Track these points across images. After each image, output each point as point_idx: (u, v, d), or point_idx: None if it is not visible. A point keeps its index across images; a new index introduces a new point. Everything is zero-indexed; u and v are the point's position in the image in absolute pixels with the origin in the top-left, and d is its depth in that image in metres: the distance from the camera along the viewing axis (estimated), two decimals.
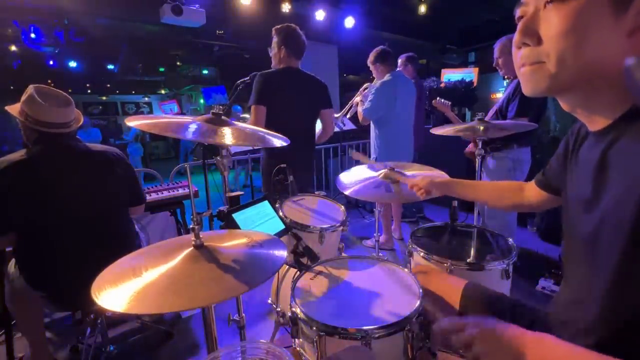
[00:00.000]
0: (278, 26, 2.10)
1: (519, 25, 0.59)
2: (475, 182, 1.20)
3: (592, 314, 0.60)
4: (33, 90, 1.37)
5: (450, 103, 2.82)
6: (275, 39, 2.09)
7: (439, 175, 1.56)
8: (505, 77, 2.39)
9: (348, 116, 3.21)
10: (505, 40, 2.22)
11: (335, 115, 3.30)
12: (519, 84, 2.18)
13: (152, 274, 0.68)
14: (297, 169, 1.60)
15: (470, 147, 2.45)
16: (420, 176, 1.28)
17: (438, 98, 2.92)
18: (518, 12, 0.60)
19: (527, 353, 0.54)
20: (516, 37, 0.59)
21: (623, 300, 0.55)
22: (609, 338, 0.56)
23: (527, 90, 0.62)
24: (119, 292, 0.63)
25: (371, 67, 2.85)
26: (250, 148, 3.32)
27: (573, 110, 0.64)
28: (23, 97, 1.37)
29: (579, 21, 0.51)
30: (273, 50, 2.11)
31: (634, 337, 0.53)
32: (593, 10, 0.50)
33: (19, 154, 1.35)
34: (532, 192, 0.99)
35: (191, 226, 0.77)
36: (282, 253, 0.78)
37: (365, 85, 2.89)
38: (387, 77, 2.74)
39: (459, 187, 1.18)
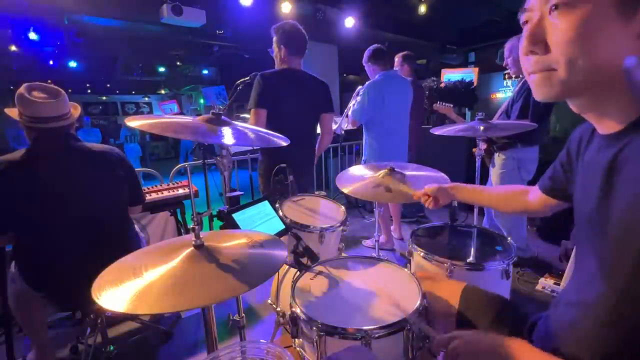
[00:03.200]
0: (276, 25, 2.04)
1: (526, 32, 0.59)
2: (481, 187, 1.19)
3: (599, 318, 0.59)
4: (22, 88, 1.36)
5: (452, 105, 2.82)
6: (274, 38, 2.04)
7: (440, 177, 1.55)
8: (513, 76, 2.43)
9: (345, 126, 3.18)
10: (515, 40, 2.25)
11: (334, 127, 3.25)
12: (523, 85, 2.24)
13: (153, 274, 0.68)
14: (297, 172, 1.60)
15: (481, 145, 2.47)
16: (426, 186, 1.24)
17: (439, 102, 2.92)
18: (523, 18, 0.60)
19: (504, 357, 0.61)
20: (524, 44, 0.59)
21: (633, 305, 0.54)
22: (614, 345, 0.56)
23: (538, 96, 0.62)
24: (119, 292, 0.63)
25: (365, 67, 2.84)
26: (250, 148, 3.31)
27: (582, 113, 0.63)
28: (16, 97, 1.37)
29: (586, 27, 0.51)
30: (274, 51, 2.07)
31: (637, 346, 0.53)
32: (600, 15, 0.50)
33: (18, 154, 1.35)
34: (537, 197, 0.98)
35: (191, 226, 0.77)
36: (282, 253, 0.78)
37: (357, 89, 2.87)
38: (377, 77, 2.72)
39: (464, 191, 1.18)
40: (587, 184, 0.66)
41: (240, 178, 6.08)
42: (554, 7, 0.54)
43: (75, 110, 1.50)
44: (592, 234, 0.62)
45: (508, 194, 1.10)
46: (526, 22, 0.59)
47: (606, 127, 0.61)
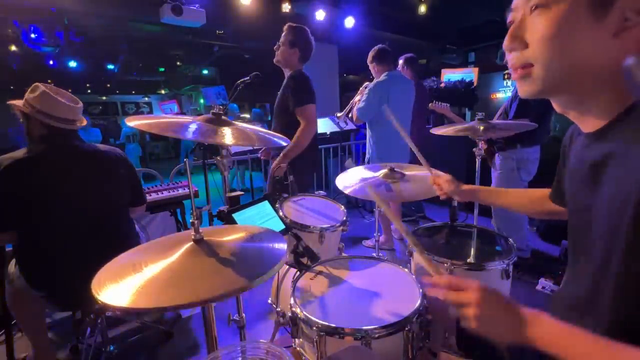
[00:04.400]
0: (295, 25, 2.12)
1: (509, 31, 0.61)
2: (502, 190, 1.17)
3: (593, 319, 0.59)
4: (45, 88, 1.39)
5: (448, 105, 2.83)
6: (290, 37, 2.09)
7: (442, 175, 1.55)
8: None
9: (350, 116, 3.21)
10: None
11: (338, 115, 3.32)
12: None
13: (153, 269, 0.68)
14: (313, 168, 1.66)
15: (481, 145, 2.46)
16: (444, 177, 1.24)
17: (435, 101, 2.93)
18: (509, 18, 0.63)
19: (526, 326, 0.56)
20: (505, 42, 0.62)
21: (624, 306, 0.54)
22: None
23: (521, 92, 0.64)
24: (119, 287, 0.63)
25: (370, 67, 2.85)
26: (251, 148, 3.33)
27: (564, 112, 0.65)
28: (32, 94, 1.38)
29: (560, 25, 0.53)
30: (283, 46, 2.11)
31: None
32: (574, 14, 0.52)
33: (22, 152, 1.35)
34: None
35: (191, 220, 0.77)
36: (282, 246, 0.78)
37: (365, 84, 2.88)
38: (382, 77, 2.73)
39: (485, 194, 1.17)
40: (575, 181, 0.67)
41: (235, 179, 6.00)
42: (534, 7, 0.56)
43: (83, 121, 1.53)
44: (581, 233, 0.64)
45: (530, 196, 1.08)
46: (512, 21, 0.62)
47: (588, 125, 0.63)
